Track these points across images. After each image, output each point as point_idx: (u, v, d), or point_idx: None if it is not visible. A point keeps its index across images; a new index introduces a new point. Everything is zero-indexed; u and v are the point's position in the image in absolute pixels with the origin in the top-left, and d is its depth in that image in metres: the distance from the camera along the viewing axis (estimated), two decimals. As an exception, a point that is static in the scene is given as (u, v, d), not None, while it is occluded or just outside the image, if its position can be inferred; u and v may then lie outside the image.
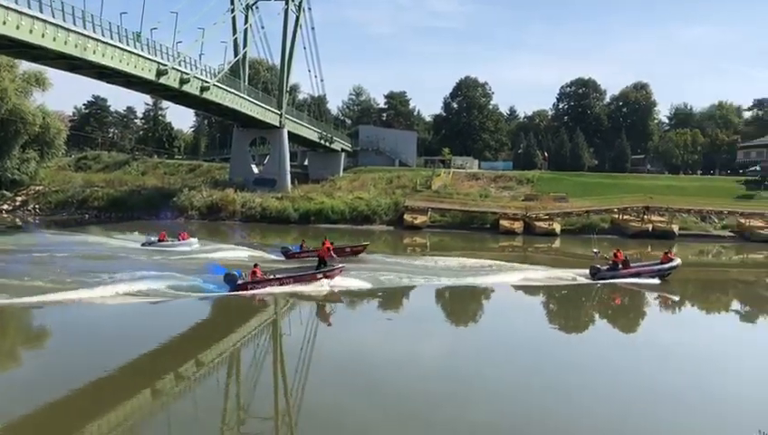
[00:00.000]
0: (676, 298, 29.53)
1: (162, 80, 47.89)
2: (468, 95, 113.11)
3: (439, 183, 70.59)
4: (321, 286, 26.61)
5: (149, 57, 46.02)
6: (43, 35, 36.02)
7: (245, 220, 60.27)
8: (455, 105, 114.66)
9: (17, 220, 60.31)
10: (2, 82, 60.58)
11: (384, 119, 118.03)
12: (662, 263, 31.51)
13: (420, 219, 58.39)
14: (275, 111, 69.05)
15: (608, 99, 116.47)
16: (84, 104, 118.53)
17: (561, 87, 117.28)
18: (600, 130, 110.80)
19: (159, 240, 38.54)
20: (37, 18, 35.46)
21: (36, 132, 65.81)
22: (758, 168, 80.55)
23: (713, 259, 47.11)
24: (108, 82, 49.40)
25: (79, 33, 38.58)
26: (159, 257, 33.41)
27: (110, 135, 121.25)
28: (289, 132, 71.76)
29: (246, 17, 66.64)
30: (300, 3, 72.08)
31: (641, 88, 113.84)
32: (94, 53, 40.20)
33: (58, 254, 33.59)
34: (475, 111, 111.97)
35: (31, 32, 35.24)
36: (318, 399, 14.17)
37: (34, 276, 25.87)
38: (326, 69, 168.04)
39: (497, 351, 19.37)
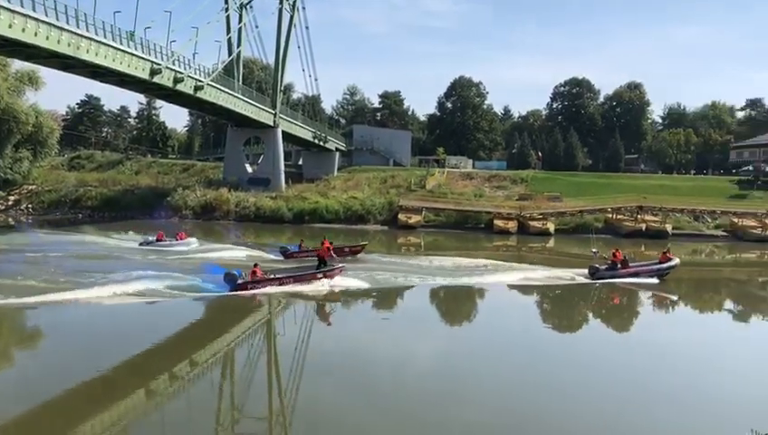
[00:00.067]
0: (675, 297, 29.66)
1: (156, 79, 47.75)
2: (462, 95, 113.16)
3: (433, 183, 70.64)
4: (322, 286, 26.61)
5: (143, 56, 45.87)
6: (35, 34, 35.84)
7: (239, 220, 60.14)
8: (449, 105, 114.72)
9: (10, 220, 59.97)
10: (-6, 81, 60.28)
11: (378, 118, 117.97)
12: (660, 262, 31.68)
13: (414, 219, 58.41)
14: (269, 110, 68.96)
15: (601, 98, 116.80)
16: (77, 103, 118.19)
17: (555, 87, 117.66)
18: (594, 129, 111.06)
19: (157, 240, 38.34)
20: (30, 17, 35.26)
21: (29, 132, 65.43)
22: (751, 167, 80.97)
23: (706, 259, 47.33)
24: (101, 82, 49.22)
25: (72, 31, 38.41)
26: (157, 257, 33.21)
27: (104, 134, 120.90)
28: (283, 132, 71.67)
29: (240, 16, 66.46)
30: (294, 2, 72.00)
31: (635, 88, 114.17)
32: (87, 51, 40.04)
33: (54, 253, 33.40)
34: (469, 111, 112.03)
35: (23, 30, 35.06)
36: (313, 398, 14.16)
37: (30, 276, 25.71)
38: (320, 68, 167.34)
39: (495, 350, 19.39)
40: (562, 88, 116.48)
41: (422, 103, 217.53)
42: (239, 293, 24.54)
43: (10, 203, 67.13)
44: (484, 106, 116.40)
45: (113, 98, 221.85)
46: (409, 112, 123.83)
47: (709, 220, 59.03)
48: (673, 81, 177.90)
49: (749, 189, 68.15)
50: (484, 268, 33.54)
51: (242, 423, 13.24)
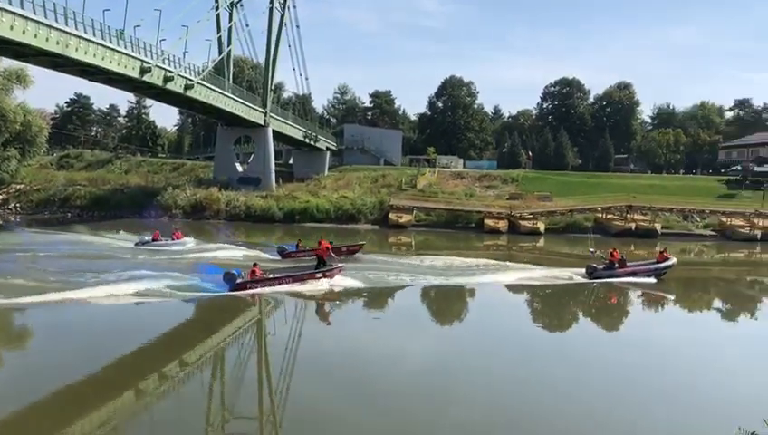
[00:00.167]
0: (671, 297, 29.80)
1: (146, 78, 47.51)
2: (453, 94, 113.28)
3: (424, 182, 70.69)
4: (321, 286, 26.63)
5: (133, 55, 45.62)
6: (24, 32, 35.57)
7: (230, 219, 59.94)
8: (440, 104, 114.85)
9: (-3, 219, 59.54)
10: (-18, 80, 59.78)
11: (369, 118, 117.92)
12: (658, 262, 31.92)
13: (405, 218, 58.41)
14: (260, 109, 68.77)
15: (591, 98, 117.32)
16: (66, 102, 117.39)
17: (546, 87, 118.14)
18: (584, 129, 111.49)
19: (153, 239, 38.14)
20: (18, 15, 34.98)
21: (17, 130, 64.71)
22: (739, 167, 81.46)
23: (695, 258, 47.59)
24: (91, 80, 48.95)
25: (61, 29, 38.14)
26: (154, 257, 33.01)
27: (93, 133, 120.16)
28: (274, 131, 71.48)
29: (231, 15, 66.17)
30: (284, 1, 71.73)
31: (624, 88, 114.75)
32: (77, 50, 39.78)
33: (47, 253, 33.39)
34: (460, 111, 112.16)
35: (12, 28, 34.75)
36: (304, 398, 14.17)
37: (24, 276, 25.61)
38: (311, 68, 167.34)
39: (494, 349, 19.47)
40: (553, 88, 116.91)
41: (413, 103, 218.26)
42: (238, 292, 24.49)
43: (-2, 202, 66.62)
44: (475, 106, 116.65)
45: (103, 96, 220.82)
46: (400, 112, 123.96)
47: (698, 220, 59.36)
48: (662, 81, 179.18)
49: (737, 189, 68.61)
50: (482, 267, 33.60)
51: (232, 423, 13.21)
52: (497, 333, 22.26)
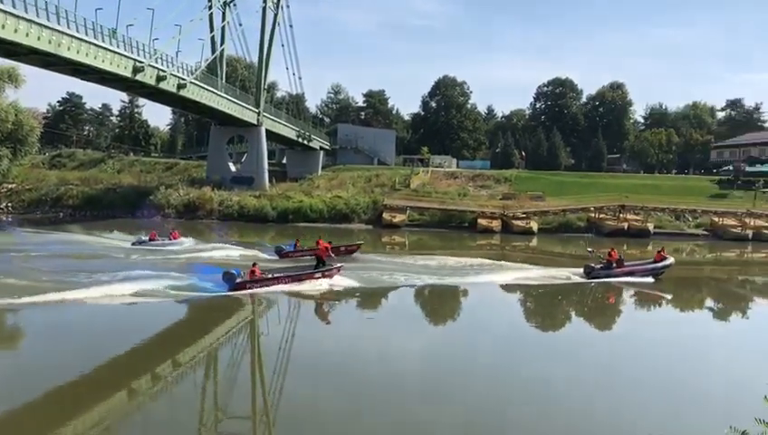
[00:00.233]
0: (669, 296, 29.87)
1: (138, 77, 47.31)
2: (447, 94, 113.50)
3: (418, 182, 70.71)
4: (320, 286, 26.63)
5: (125, 54, 45.43)
6: (15, 31, 35.36)
7: (223, 219, 59.79)
8: (433, 104, 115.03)
9: (-11, 218, 59.23)
10: (-28, 79, 59.40)
11: (363, 117, 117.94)
12: (655, 262, 32.06)
13: (399, 218, 58.42)
14: (253, 108, 68.60)
15: (584, 98, 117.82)
16: (59, 101, 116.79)
17: (539, 87, 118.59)
18: (577, 129, 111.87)
19: (150, 239, 37.99)
20: (10, 13, 34.77)
21: (9, 130, 64.37)
22: (731, 167, 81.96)
23: (687, 257, 47.74)
24: (83, 79, 48.70)
25: (53, 28, 37.92)
26: (151, 257, 32.81)
27: (86, 133, 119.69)
28: (267, 130, 71.34)
29: (224, 14, 66.00)
30: (278, 0, 71.70)
31: (617, 88, 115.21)
32: (69, 49, 39.58)
33: (42, 253, 33.16)
34: (453, 111, 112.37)
35: (3, 27, 34.51)
36: (297, 397, 14.17)
37: (19, 276, 25.41)
38: (304, 67, 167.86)
39: (492, 349, 19.51)
40: (546, 88, 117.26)
41: (406, 103, 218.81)
42: (237, 292, 24.46)
43: (-11, 202, 66.26)
44: (468, 106, 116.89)
45: (95, 96, 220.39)
46: (394, 111, 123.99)
47: (690, 219, 59.56)
48: (655, 81, 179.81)
49: (729, 189, 68.94)
50: (477, 267, 33.66)
51: (225, 423, 13.17)
52: (497, 332, 22.27)
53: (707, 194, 66.24)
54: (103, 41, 42.87)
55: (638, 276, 31.07)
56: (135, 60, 46.46)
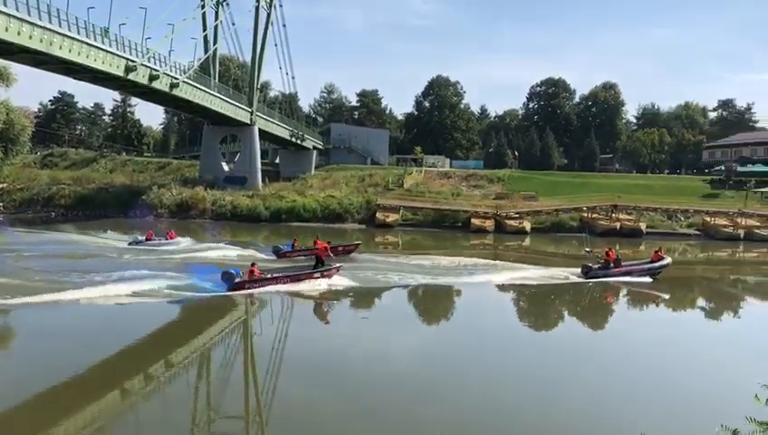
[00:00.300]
0: (666, 296, 29.96)
1: (131, 76, 47.17)
2: (440, 94, 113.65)
3: (411, 181, 70.77)
4: (319, 286, 26.60)
5: (118, 53, 45.30)
6: (6, 29, 35.19)
7: (216, 218, 59.62)
8: (426, 104, 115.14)
9: (-20, 218, 58.84)
10: (-37, 77, 59.00)
11: (356, 117, 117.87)
12: (652, 262, 32.17)
13: (392, 218, 58.43)
14: (246, 108, 68.50)
15: (577, 98, 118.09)
16: (50, 100, 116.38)
17: (532, 87, 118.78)
18: (570, 129, 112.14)
19: (147, 239, 37.89)
20: (1, 12, 34.61)
21: (0, 129, 64.24)
22: (723, 167, 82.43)
23: (679, 257, 47.86)
24: (75, 78, 48.54)
25: (45, 27, 37.77)
26: (148, 257, 32.65)
27: (78, 132, 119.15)
28: (260, 130, 71.25)
29: (217, 13, 65.90)
30: (271, 0, 71.62)
31: (610, 88, 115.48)
32: (60, 48, 39.43)
33: (37, 253, 32.98)
34: (446, 110, 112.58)
35: (-6, 26, 34.47)
36: (291, 397, 14.16)
37: (14, 276, 25.28)
38: (297, 67, 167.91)
39: (492, 348, 19.56)
40: (539, 88, 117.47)
41: (399, 102, 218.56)
42: (236, 292, 24.40)
43: (-20, 202, 65.88)
44: (462, 105, 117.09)
45: (87, 95, 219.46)
46: (387, 111, 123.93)
47: (682, 219, 59.79)
48: (647, 81, 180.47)
49: (721, 189, 69.36)
50: (472, 267, 33.66)
51: (218, 423, 13.15)
52: (497, 332, 22.30)
53: (699, 194, 66.63)
54: (95, 40, 42.75)
55: (636, 276, 31.18)
56: (127, 59, 46.35)
